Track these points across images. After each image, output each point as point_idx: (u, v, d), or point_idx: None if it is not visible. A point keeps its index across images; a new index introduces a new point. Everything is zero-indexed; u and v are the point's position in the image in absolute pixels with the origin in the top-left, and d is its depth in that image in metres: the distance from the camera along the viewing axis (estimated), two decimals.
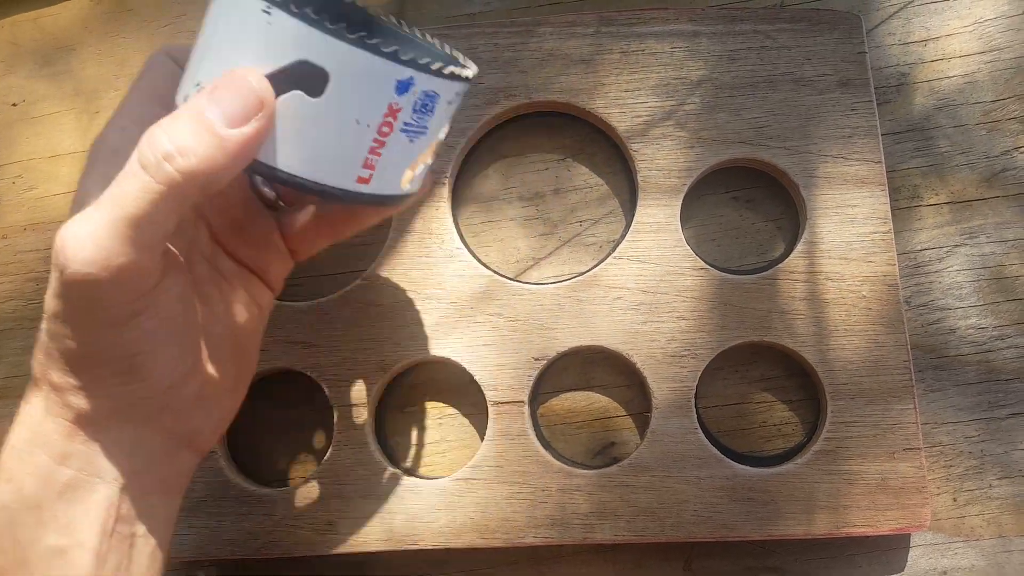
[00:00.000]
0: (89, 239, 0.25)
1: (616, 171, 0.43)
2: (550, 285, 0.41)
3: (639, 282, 0.40)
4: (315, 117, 0.27)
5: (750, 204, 0.42)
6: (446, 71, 0.28)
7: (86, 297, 0.26)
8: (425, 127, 0.29)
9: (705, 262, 0.40)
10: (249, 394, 0.42)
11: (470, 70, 0.30)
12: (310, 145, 0.27)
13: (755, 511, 0.38)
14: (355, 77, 0.26)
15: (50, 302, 0.27)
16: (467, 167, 0.44)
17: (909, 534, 0.39)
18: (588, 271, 0.41)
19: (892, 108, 0.42)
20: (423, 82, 0.27)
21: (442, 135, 0.31)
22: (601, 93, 0.41)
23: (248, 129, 0.26)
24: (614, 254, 0.40)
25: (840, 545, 0.39)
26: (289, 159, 0.27)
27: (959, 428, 0.40)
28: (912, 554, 0.39)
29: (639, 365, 0.39)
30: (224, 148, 0.26)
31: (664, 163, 0.41)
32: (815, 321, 0.39)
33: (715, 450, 0.38)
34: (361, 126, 0.27)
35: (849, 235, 0.39)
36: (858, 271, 0.39)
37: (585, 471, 0.39)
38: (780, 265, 0.39)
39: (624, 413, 0.41)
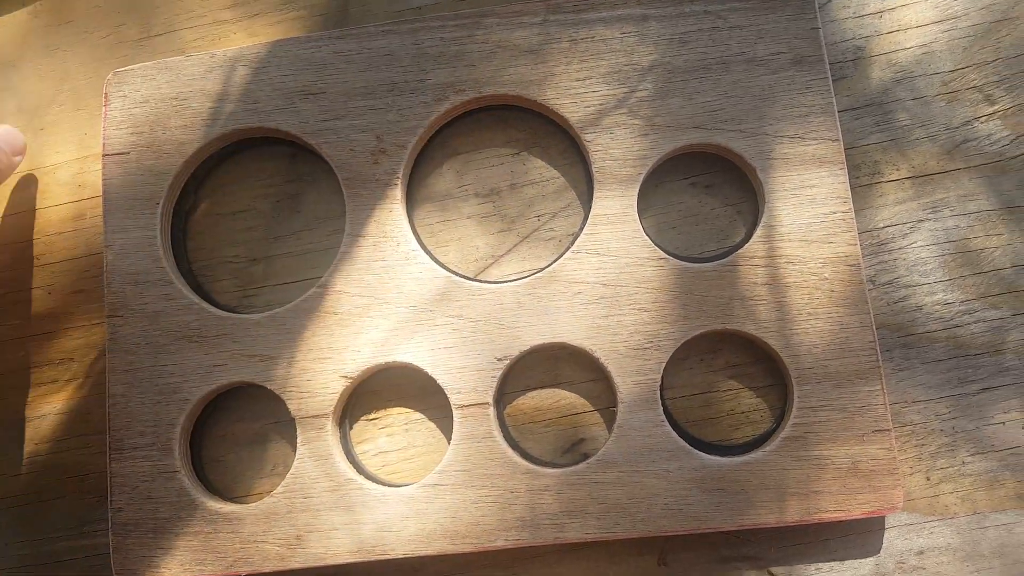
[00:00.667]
0: None
1: (572, 163, 0.42)
2: (509, 283, 0.40)
3: (599, 275, 0.39)
4: None
5: (709, 190, 0.41)
6: None
7: None
8: None
9: (665, 251, 0.39)
10: (209, 409, 0.42)
11: None
12: None
13: (726, 501, 0.37)
14: None
15: None
16: (420, 166, 0.43)
17: (883, 516, 0.39)
18: (547, 267, 0.40)
19: (849, 83, 0.42)
20: None
21: None
22: (552, 84, 0.40)
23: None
24: (572, 248, 0.40)
25: (814, 530, 0.39)
26: None
27: (929, 406, 0.39)
28: (887, 535, 0.39)
29: (603, 360, 0.39)
30: None
31: (619, 152, 0.40)
32: (777, 306, 0.38)
33: (683, 442, 0.38)
34: None
35: (809, 217, 0.39)
36: (819, 253, 0.38)
37: (553, 470, 0.38)
38: (740, 251, 0.39)
39: (592, 408, 0.41)
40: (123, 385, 0.40)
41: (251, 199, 0.43)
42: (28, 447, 0.43)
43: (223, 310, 0.41)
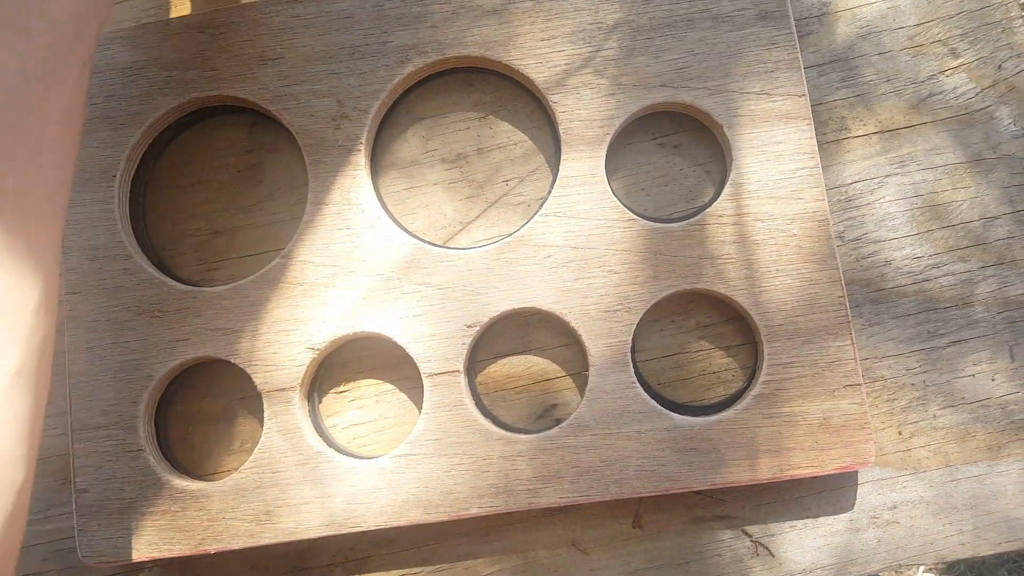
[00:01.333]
0: None
1: (539, 125, 0.41)
2: (478, 249, 0.39)
3: (568, 238, 0.39)
4: None
5: (677, 149, 0.41)
6: None
7: None
8: None
9: (635, 212, 0.39)
10: (174, 386, 0.41)
11: None
12: None
13: (698, 461, 0.37)
14: None
15: None
16: (384, 132, 0.42)
17: (856, 471, 0.39)
18: (515, 232, 0.39)
19: (815, 39, 0.41)
20: None
21: None
22: (516, 44, 0.40)
23: None
24: (541, 211, 0.39)
25: (788, 488, 0.39)
26: None
27: (900, 360, 0.39)
28: (861, 491, 0.39)
29: (573, 323, 0.38)
30: None
31: (585, 113, 0.39)
32: (746, 264, 0.38)
33: (654, 403, 0.37)
34: None
35: (776, 173, 0.38)
36: (787, 209, 0.38)
37: (525, 436, 0.38)
38: (708, 210, 0.38)
39: (564, 374, 0.40)
40: (84, 363, 0.39)
41: (211, 170, 0.42)
42: None
43: (185, 284, 0.40)
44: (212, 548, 0.38)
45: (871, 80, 0.41)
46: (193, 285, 0.40)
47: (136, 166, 0.42)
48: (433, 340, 0.39)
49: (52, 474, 0.42)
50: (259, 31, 0.41)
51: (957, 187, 0.40)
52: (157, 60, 0.41)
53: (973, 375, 0.39)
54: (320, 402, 0.41)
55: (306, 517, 0.38)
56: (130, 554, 0.39)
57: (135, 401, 0.39)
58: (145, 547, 0.39)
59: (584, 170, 0.39)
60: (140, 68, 0.41)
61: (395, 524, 0.38)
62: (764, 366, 0.37)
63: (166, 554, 0.39)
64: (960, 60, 0.41)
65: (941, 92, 0.41)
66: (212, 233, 0.42)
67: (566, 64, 0.40)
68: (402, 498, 0.38)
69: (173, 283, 0.40)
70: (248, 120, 0.43)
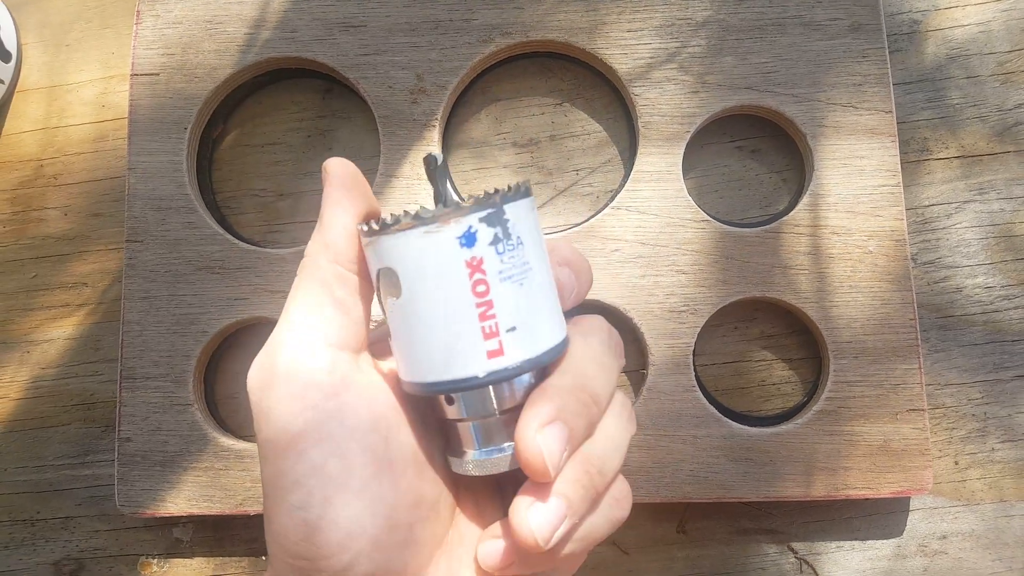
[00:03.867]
0: None
1: (616, 117, 0.41)
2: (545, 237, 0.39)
3: (638, 234, 0.38)
4: (409, 315, 0.23)
5: (755, 154, 0.40)
6: (497, 198, 0.23)
7: None
8: (525, 262, 0.23)
9: (707, 214, 0.38)
10: (226, 344, 0.41)
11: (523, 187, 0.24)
12: (421, 347, 0.23)
13: (752, 472, 0.36)
14: (414, 259, 0.23)
15: None
16: (458, 110, 0.41)
17: (908, 498, 0.38)
18: (585, 222, 0.39)
19: (903, 57, 0.40)
20: (485, 220, 0.23)
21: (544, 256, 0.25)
22: (602, 33, 0.39)
23: None
24: (612, 204, 0.39)
25: (838, 508, 0.38)
26: (415, 370, 0.23)
27: (963, 390, 0.38)
28: (911, 518, 0.38)
29: (636, 320, 0.38)
30: None
31: (666, 109, 0.39)
32: (819, 277, 0.37)
33: (713, 409, 0.37)
34: (451, 300, 0.22)
35: (856, 188, 0.38)
36: (865, 225, 0.37)
37: None
38: (784, 218, 0.38)
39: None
40: (139, 312, 0.39)
41: (282, 132, 0.42)
42: (33, 371, 0.42)
43: (247, 243, 0.40)
44: (252, 510, 0.38)
45: (957, 103, 0.40)
46: (254, 245, 0.40)
47: (208, 121, 0.41)
48: None
49: (94, 420, 0.41)
50: None
51: None
52: (238, 16, 0.41)
53: None
54: None
55: None
56: (168, 507, 0.38)
57: (188, 355, 0.39)
58: (184, 502, 0.38)
59: (660, 166, 0.38)
60: (220, 23, 0.41)
61: None
62: (828, 382, 0.37)
63: (205, 511, 0.38)
64: None
65: None
66: (277, 195, 0.41)
67: (651, 57, 0.39)
68: None
69: (236, 241, 0.39)
70: (323, 85, 0.42)
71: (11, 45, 0.43)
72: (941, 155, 0.40)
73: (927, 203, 0.40)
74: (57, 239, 0.42)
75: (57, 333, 0.42)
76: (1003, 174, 0.40)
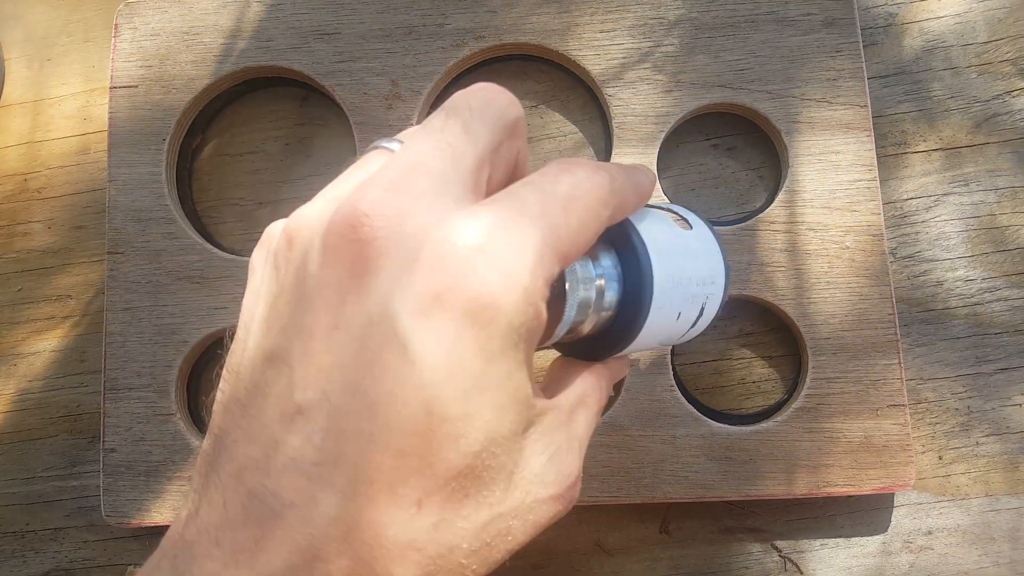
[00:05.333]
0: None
1: (592, 118, 0.41)
2: None
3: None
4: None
5: (731, 152, 0.40)
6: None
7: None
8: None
9: None
10: (209, 353, 0.41)
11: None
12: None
13: (733, 471, 0.36)
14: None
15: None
16: None
17: (893, 494, 0.38)
18: None
19: (879, 50, 0.40)
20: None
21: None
22: (575, 34, 0.39)
23: None
24: None
25: (821, 505, 0.38)
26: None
27: (946, 384, 0.38)
28: (896, 514, 0.38)
29: None
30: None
31: (640, 108, 0.39)
32: (796, 273, 0.37)
33: (692, 408, 0.37)
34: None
35: (833, 183, 0.37)
36: (841, 221, 0.37)
37: None
38: (760, 215, 0.38)
39: None
40: (121, 324, 0.39)
41: (260, 141, 0.42)
42: (20, 384, 0.42)
43: (227, 252, 0.40)
44: None
45: (935, 95, 0.40)
46: (234, 254, 0.40)
47: (186, 131, 0.42)
48: None
49: (80, 431, 0.42)
50: (318, 4, 0.40)
51: (1017, 211, 0.39)
52: (214, 27, 0.41)
53: (1020, 404, 0.38)
54: None
55: None
56: (153, 517, 0.39)
57: (169, 365, 0.39)
58: (169, 511, 0.39)
59: None
60: (197, 34, 0.41)
61: None
62: (808, 379, 0.36)
63: None
64: None
65: (1007, 112, 0.40)
66: (257, 204, 0.42)
67: (624, 58, 0.39)
68: None
69: (215, 250, 0.40)
70: (300, 93, 0.42)
71: None
72: (919, 148, 0.40)
73: (906, 196, 0.39)
74: (42, 252, 0.43)
75: (43, 346, 0.42)
76: (983, 166, 0.39)
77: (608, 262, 0.24)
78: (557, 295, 0.23)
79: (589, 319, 0.24)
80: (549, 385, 0.25)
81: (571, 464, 0.23)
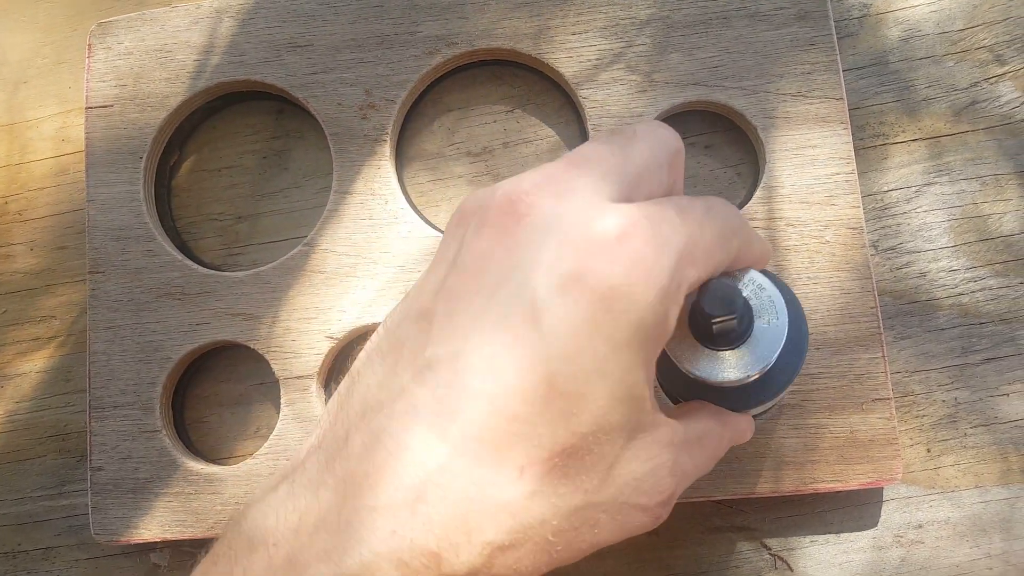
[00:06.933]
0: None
1: (568, 121, 0.41)
2: None
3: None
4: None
5: (708, 150, 0.40)
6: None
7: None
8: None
9: None
10: (192, 369, 0.41)
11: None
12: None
13: (719, 470, 0.36)
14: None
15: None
16: (409, 123, 0.41)
17: (882, 488, 0.37)
18: None
19: (855, 41, 0.40)
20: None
21: None
22: (547, 38, 0.39)
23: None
24: None
25: (810, 502, 0.38)
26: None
27: (931, 376, 0.38)
28: (885, 508, 0.37)
29: None
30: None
31: (615, 109, 0.39)
32: (776, 270, 0.37)
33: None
34: None
35: (810, 177, 0.37)
36: (820, 215, 0.37)
37: None
38: None
39: None
40: (104, 343, 0.40)
41: (237, 155, 0.42)
42: (8, 405, 0.42)
43: (207, 268, 0.40)
44: None
45: (912, 85, 0.40)
46: (215, 269, 0.40)
47: (163, 148, 0.42)
48: None
49: (68, 451, 0.42)
50: (289, 16, 0.40)
51: (999, 199, 0.39)
52: (186, 44, 0.41)
53: (1007, 394, 0.38)
54: None
55: None
56: (142, 534, 0.39)
57: (153, 382, 0.39)
58: (157, 528, 0.39)
59: None
60: (170, 51, 0.41)
61: None
62: None
63: (177, 536, 0.38)
64: (1006, 67, 0.39)
65: (986, 100, 0.39)
66: (236, 218, 0.42)
67: (597, 59, 0.39)
68: None
69: (195, 266, 0.40)
70: (275, 106, 0.42)
71: None
72: (898, 139, 0.39)
73: (886, 188, 0.39)
74: (25, 274, 0.43)
75: (29, 367, 0.42)
76: (963, 154, 0.39)
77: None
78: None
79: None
80: (678, 412, 0.26)
81: (668, 483, 0.24)
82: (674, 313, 0.21)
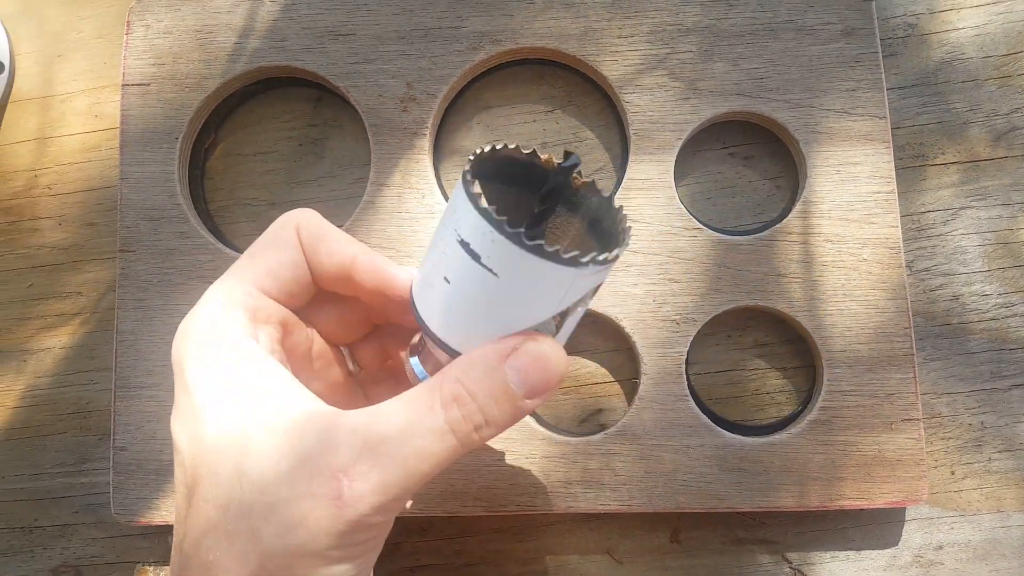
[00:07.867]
0: (380, 491, 0.24)
1: (607, 124, 0.41)
2: None
3: (630, 242, 0.38)
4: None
5: (748, 161, 0.40)
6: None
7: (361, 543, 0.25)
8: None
9: (700, 222, 0.38)
10: None
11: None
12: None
13: (746, 482, 0.36)
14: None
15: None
16: (449, 118, 0.41)
17: (904, 508, 0.38)
18: None
19: (898, 61, 0.40)
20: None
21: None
22: (592, 39, 0.39)
23: (540, 401, 0.25)
24: None
25: (833, 518, 0.38)
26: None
27: (959, 399, 0.38)
28: (907, 528, 0.38)
29: (628, 329, 0.37)
30: (516, 418, 0.25)
31: (657, 115, 0.38)
32: (812, 285, 0.37)
33: (706, 418, 0.37)
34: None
35: (850, 195, 0.37)
36: (859, 233, 0.37)
37: (570, 438, 0.37)
38: (777, 226, 0.37)
39: (612, 379, 0.39)
40: (132, 322, 0.39)
41: (273, 141, 0.42)
42: (30, 380, 0.42)
43: (239, 253, 0.40)
44: None
45: (953, 108, 0.40)
46: None
47: (199, 130, 0.41)
48: None
49: (90, 429, 0.42)
50: (332, 5, 0.40)
51: None
52: (227, 26, 0.41)
53: None
54: None
55: None
56: (163, 515, 0.38)
57: None
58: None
59: (652, 174, 0.38)
60: (210, 32, 0.41)
61: (431, 514, 0.37)
62: (822, 392, 0.36)
63: None
64: None
65: None
66: (269, 204, 0.41)
67: (641, 63, 0.39)
68: (440, 488, 0.37)
69: (227, 250, 0.39)
70: (314, 94, 0.42)
71: (4, 56, 0.43)
72: (937, 161, 0.40)
73: (923, 210, 0.39)
74: (52, 249, 0.43)
75: (53, 343, 0.42)
76: (1001, 179, 0.39)
77: None
78: None
79: None
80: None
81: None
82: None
